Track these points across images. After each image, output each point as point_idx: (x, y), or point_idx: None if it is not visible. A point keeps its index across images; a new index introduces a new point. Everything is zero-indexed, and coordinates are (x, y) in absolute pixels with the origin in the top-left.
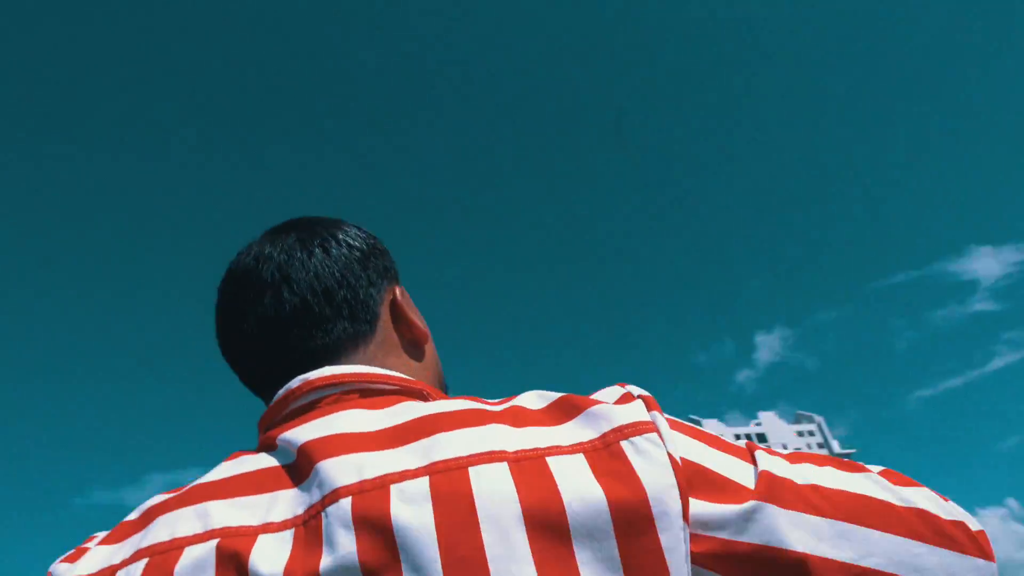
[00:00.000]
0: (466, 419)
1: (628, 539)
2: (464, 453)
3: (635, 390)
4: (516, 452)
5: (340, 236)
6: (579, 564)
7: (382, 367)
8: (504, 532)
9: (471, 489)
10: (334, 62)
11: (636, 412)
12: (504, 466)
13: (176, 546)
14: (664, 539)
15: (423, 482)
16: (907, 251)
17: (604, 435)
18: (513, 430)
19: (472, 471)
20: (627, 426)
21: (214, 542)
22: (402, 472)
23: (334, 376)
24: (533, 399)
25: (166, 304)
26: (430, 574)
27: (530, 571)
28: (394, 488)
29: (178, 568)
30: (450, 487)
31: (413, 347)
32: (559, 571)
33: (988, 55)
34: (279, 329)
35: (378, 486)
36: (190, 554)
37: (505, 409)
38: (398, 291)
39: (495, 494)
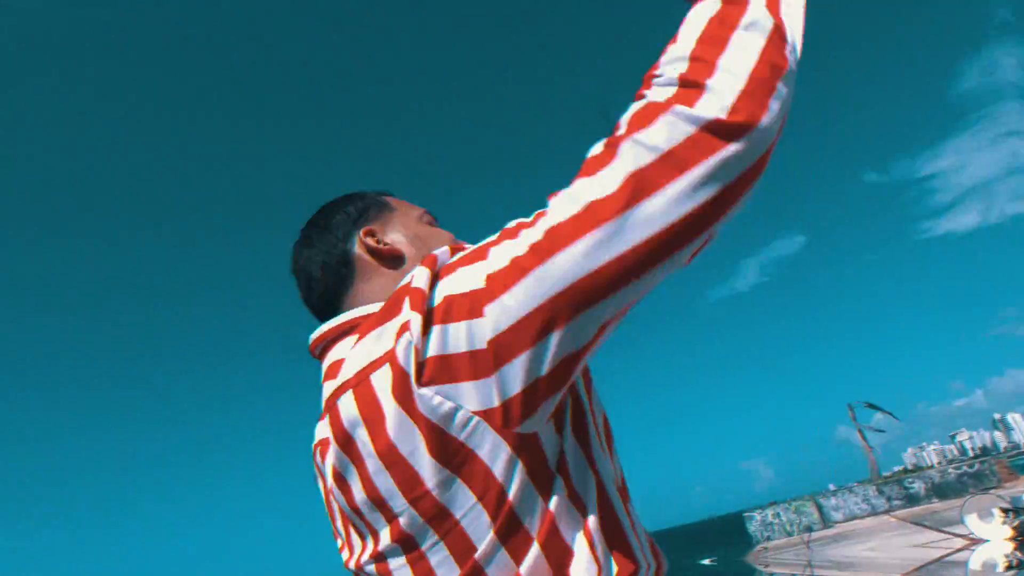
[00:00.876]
0: (344, 351)
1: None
2: (332, 389)
3: (419, 278)
4: (357, 375)
5: (321, 223)
6: (416, 467)
7: (364, 295)
8: (364, 448)
9: (341, 419)
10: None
11: (399, 326)
12: (350, 394)
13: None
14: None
15: (324, 421)
16: None
17: (392, 349)
18: (364, 345)
19: (339, 403)
20: (396, 341)
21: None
22: (332, 394)
23: (315, 339)
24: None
25: None
26: (335, 496)
27: (388, 482)
28: (330, 413)
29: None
30: (334, 420)
31: (393, 260)
32: (406, 476)
33: None
34: (312, 303)
35: (329, 408)
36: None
37: (377, 315)
38: (361, 233)
39: (351, 423)
